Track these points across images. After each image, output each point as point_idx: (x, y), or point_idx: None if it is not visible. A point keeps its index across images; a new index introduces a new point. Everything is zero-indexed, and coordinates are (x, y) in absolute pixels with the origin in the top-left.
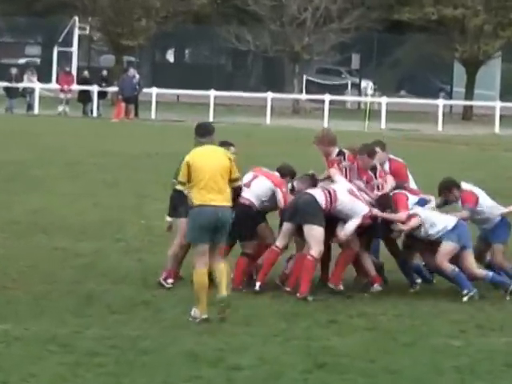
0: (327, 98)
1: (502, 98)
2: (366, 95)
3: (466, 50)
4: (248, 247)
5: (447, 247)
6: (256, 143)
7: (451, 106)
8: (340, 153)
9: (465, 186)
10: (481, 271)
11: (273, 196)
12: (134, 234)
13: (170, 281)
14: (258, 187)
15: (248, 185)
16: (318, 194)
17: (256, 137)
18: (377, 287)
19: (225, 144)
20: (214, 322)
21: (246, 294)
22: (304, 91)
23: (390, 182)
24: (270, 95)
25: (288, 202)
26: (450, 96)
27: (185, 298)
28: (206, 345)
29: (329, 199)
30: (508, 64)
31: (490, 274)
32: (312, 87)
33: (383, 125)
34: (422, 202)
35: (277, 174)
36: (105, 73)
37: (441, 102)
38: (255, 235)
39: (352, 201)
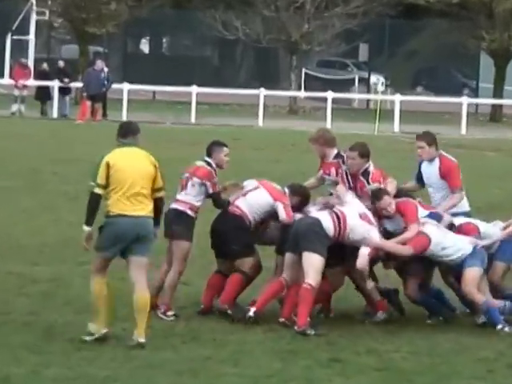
0: (330, 95)
1: None
2: (376, 92)
3: (494, 38)
4: (244, 265)
5: (472, 273)
6: (246, 148)
7: (477, 106)
8: (338, 155)
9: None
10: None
11: (267, 213)
12: None
13: (171, 313)
14: (255, 200)
15: (244, 194)
16: (325, 218)
17: (246, 140)
18: (380, 315)
19: (217, 144)
20: (197, 360)
21: (235, 326)
22: (303, 87)
23: (391, 186)
24: (262, 92)
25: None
26: (475, 93)
27: (162, 331)
28: None
29: (337, 225)
30: None
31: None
32: (312, 83)
33: (396, 127)
34: (433, 217)
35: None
36: (61, 64)
37: (465, 101)
38: (253, 251)
39: (363, 226)
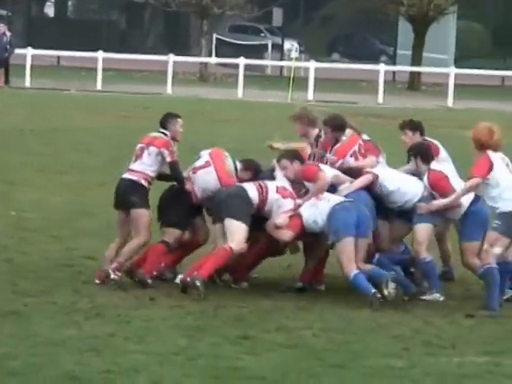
0: (242, 61)
1: (457, 63)
2: (290, 59)
3: (413, 3)
4: (170, 235)
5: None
6: (154, 116)
7: (394, 73)
8: (318, 137)
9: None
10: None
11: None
12: (2, 228)
13: (119, 274)
14: (203, 179)
15: (195, 171)
16: (250, 187)
17: (154, 109)
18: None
19: (171, 116)
20: (101, 337)
21: (140, 302)
22: (214, 53)
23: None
24: (171, 58)
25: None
26: (393, 61)
27: (64, 307)
28: (89, 365)
29: (261, 195)
30: (464, 21)
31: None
32: (224, 49)
33: (311, 95)
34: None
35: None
36: None
37: (382, 68)
38: (181, 224)
39: (277, 200)
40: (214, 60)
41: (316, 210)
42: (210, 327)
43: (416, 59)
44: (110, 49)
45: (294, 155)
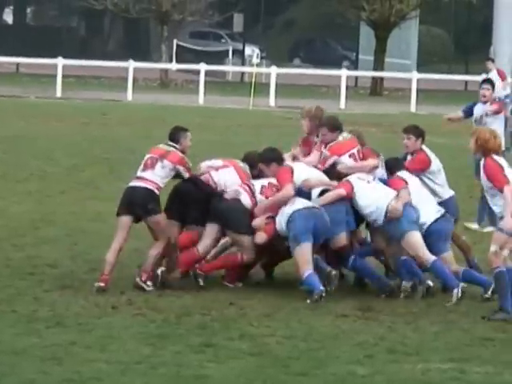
0: (203, 67)
1: (420, 68)
2: (251, 65)
3: (374, 8)
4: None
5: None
6: (114, 124)
7: (357, 79)
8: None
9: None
10: None
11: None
12: None
13: (150, 283)
14: (225, 178)
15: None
16: (243, 196)
17: (114, 115)
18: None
19: (182, 130)
20: (62, 346)
21: (102, 310)
22: (174, 60)
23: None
24: (132, 64)
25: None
26: (355, 66)
27: (25, 316)
28: (50, 374)
29: (252, 198)
30: (426, 26)
31: None
32: (185, 55)
33: (272, 101)
34: None
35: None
36: None
37: (344, 73)
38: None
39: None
40: (174, 66)
41: (281, 216)
42: (172, 335)
43: (378, 64)
44: (69, 55)
45: (272, 157)
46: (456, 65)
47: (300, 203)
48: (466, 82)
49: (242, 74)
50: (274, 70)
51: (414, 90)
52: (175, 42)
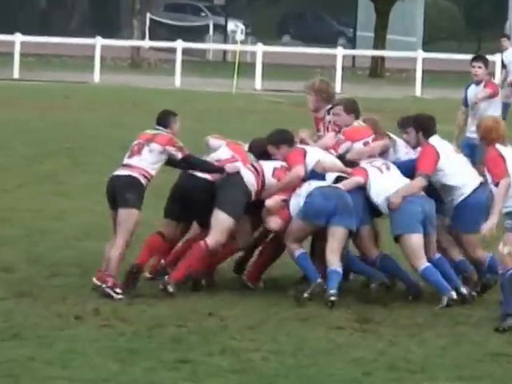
0: (180, 45)
1: (426, 46)
2: (234, 42)
3: None
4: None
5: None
6: (78, 108)
7: (354, 58)
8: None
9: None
10: None
11: None
12: None
13: (119, 290)
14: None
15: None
16: (247, 173)
17: (79, 99)
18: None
19: (172, 114)
20: (19, 362)
21: (64, 322)
22: (147, 36)
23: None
24: (99, 41)
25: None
26: (352, 44)
27: None
28: None
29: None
30: None
31: None
32: (159, 30)
33: (258, 84)
34: None
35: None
36: None
37: (340, 52)
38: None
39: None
40: (147, 43)
41: (298, 198)
42: (143, 350)
43: (379, 42)
44: (28, 31)
45: (281, 139)
46: (467, 42)
47: (319, 183)
48: None
49: (224, 52)
50: (260, 48)
51: (420, 71)
52: (148, 15)
